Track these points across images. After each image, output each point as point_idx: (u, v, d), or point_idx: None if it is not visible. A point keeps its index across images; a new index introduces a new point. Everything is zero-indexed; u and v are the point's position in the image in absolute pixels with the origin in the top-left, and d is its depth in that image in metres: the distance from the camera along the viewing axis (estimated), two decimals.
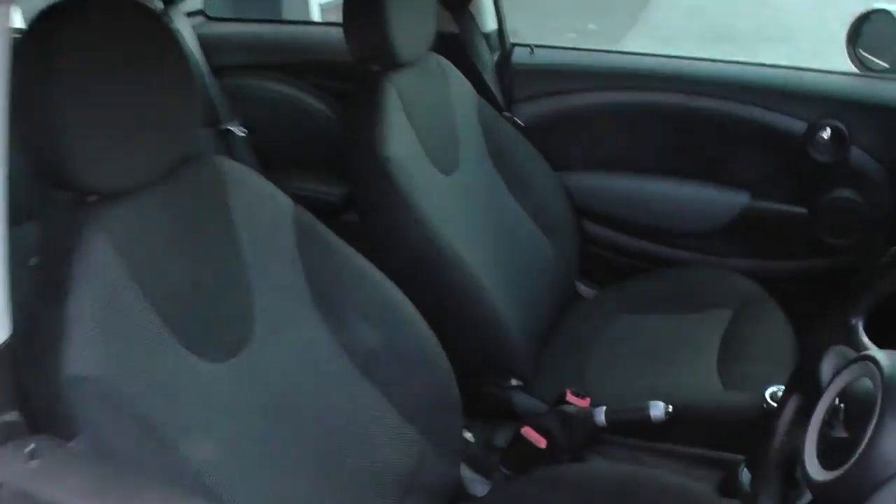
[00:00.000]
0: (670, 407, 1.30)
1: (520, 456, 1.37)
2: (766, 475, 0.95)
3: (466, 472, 1.38)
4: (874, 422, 0.72)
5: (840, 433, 0.77)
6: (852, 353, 0.89)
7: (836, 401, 0.80)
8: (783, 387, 1.19)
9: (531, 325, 1.60)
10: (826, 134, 1.65)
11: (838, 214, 1.70)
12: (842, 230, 1.71)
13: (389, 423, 1.15)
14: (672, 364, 1.53)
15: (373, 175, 1.46)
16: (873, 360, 0.77)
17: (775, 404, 1.18)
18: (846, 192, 1.69)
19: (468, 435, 1.41)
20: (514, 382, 1.57)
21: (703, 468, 1.41)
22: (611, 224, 1.93)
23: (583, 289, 1.91)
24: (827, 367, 0.93)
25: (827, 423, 0.80)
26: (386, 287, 1.18)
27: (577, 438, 1.38)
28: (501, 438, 1.53)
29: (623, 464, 1.40)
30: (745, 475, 1.28)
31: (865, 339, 0.89)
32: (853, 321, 0.91)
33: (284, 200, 1.13)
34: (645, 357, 1.57)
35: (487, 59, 1.93)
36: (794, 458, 0.95)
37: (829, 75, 1.70)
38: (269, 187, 1.12)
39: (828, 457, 0.79)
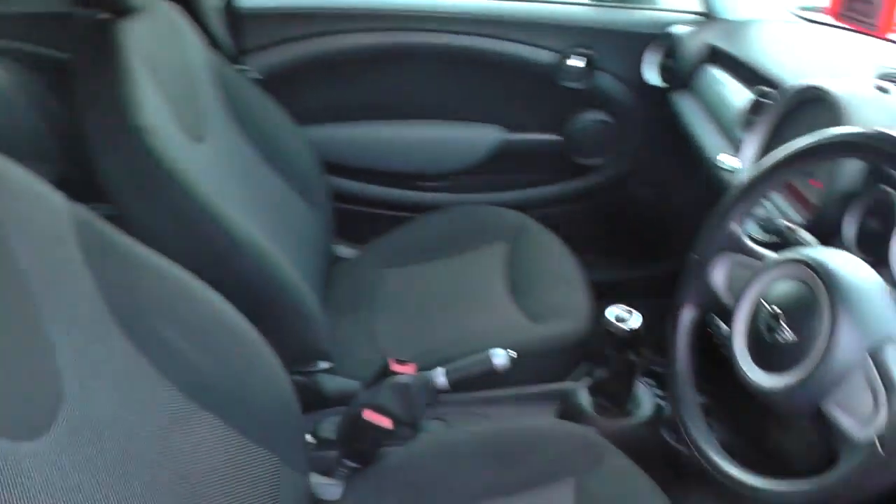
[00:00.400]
0: (512, 352, 1.26)
1: (364, 444, 1.23)
2: (678, 393, 0.95)
3: (314, 478, 1.21)
4: (827, 323, 0.74)
5: (784, 338, 0.78)
6: (747, 260, 0.92)
7: (769, 306, 0.81)
8: (625, 307, 1.23)
9: (318, 299, 1.46)
10: (574, 62, 1.71)
11: (591, 136, 1.80)
12: (595, 150, 1.82)
13: (236, 449, 0.95)
14: (467, 308, 1.49)
15: (124, 151, 1.17)
16: (807, 262, 0.79)
17: (623, 325, 1.20)
18: (597, 115, 1.78)
19: (308, 437, 1.24)
20: (323, 365, 1.41)
21: (539, 403, 1.42)
22: (364, 177, 1.83)
23: (343, 251, 1.77)
24: (718, 275, 0.95)
25: (765, 327, 0.81)
26: (197, 291, 0.95)
27: (419, 408, 1.29)
28: (328, 430, 1.37)
29: (471, 422, 1.34)
30: (584, 397, 1.32)
31: (754, 246, 0.92)
32: (735, 229, 0.94)
33: (57, 198, 0.83)
34: (434, 308, 1.51)
35: (212, 2, 1.67)
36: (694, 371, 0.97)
37: (573, 7, 1.76)
38: (36, 183, 0.82)
39: (771, 362, 0.81)
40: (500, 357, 1.21)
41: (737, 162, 1.29)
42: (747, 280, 0.87)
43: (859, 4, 0.96)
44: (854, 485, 0.68)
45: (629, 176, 1.85)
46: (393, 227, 1.75)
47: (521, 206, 1.78)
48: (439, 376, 1.21)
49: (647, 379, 1.35)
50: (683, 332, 0.97)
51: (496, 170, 1.82)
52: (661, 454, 1.29)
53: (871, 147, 0.80)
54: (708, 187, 1.41)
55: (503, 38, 1.71)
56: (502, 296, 1.49)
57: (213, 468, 0.93)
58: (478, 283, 1.54)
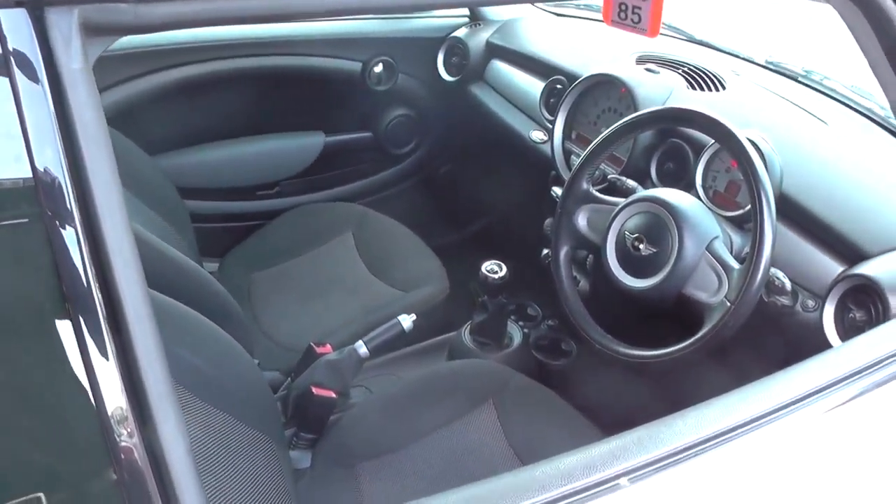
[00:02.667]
0: (413, 315, 1.51)
1: (315, 416, 1.43)
2: (569, 306, 1.29)
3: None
4: (675, 235, 1.13)
5: (647, 252, 1.16)
6: (599, 207, 1.28)
7: (630, 233, 1.18)
8: (495, 261, 1.55)
9: None
10: (378, 68, 1.99)
11: (398, 129, 2.09)
12: (402, 141, 2.12)
13: (234, 432, 1.12)
14: (342, 292, 1.72)
15: None
16: (652, 199, 1.17)
17: (495, 276, 1.52)
18: (400, 110, 2.08)
19: None
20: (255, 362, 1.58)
21: (433, 354, 1.71)
22: (212, 195, 1.96)
23: (207, 266, 1.90)
24: (581, 221, 1.31)
25: (632, 248, 1.17)
26: (185, 309, 1.10)
27: (349, 378, 1.51)
28: None
29: (387, 383, 1.58)
30: (468, 340, 1.62)
31: (603, 196, 1.28)
32: (586, 186, 1.30)
33: None
34: (313, 297, 1.71)
35: None
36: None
37: (371, 21, 2.02)
38: None
39: (641, 271, 1.17)
40: (407, 320, 1.47)
41: (545, 136, 1.68)
42: (606, 220, 1.23)
43: (630, 13, 1.35)
44: (717, 333, 1.07)
45: (437, 156, 2.18)
46: (244, 237, 1.91)
47: (353, 198, 2.03)
48: (361, 347, 1.45)
49: (512, 317, 1.70)
50: (562, 263, 1.31)
51: (326, 169, 2.04)
52: (536, 368, 1.65)
53: (668, 118, 1.20)
54: (518, 157, 1.78)
55: (314, 55, 1.93)
56: (367, 276, 1.73)
57: (218, 450, 1.08)
58: (342, 271, 1.76)
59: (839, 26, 0.98)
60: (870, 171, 1.23)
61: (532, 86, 1.78)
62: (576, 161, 1.43)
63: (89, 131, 0.52)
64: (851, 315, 1.05)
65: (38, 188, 0.51)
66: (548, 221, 1.63)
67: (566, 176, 1.47)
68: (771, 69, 1.60)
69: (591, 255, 1.47)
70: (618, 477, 0.67)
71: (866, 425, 0.84)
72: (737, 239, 1.17)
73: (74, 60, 0.51)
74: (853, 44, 0.97)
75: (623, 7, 1.28)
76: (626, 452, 0.68)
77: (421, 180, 2.20)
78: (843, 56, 1.22)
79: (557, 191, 1.59)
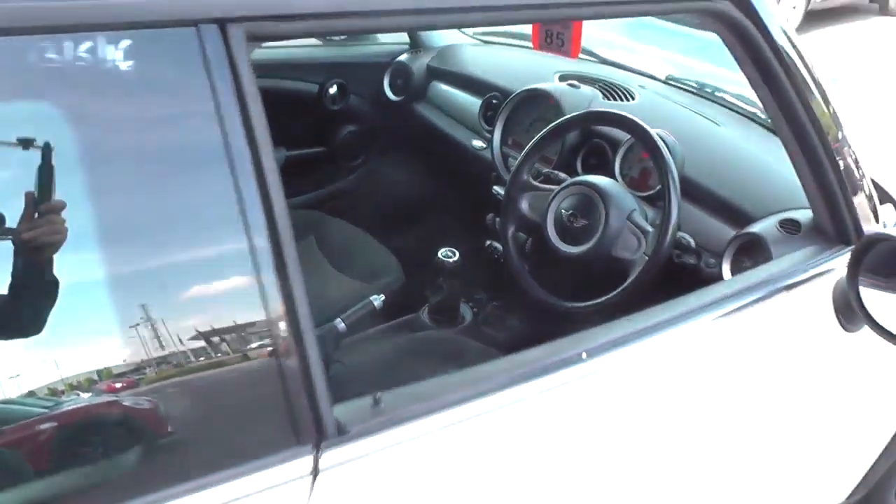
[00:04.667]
0: (382, 295, 1.73)
1: None
2: (516, 272, 1.55)
3: None
4: (602, 210, 1.41)
5: (580, 224, 1.44)
6: (538, 193, 1.55)
7: (566, 211, 1.46)
8: (449, 249, 1.80)
9: None
10: (333, 89, 2.24)
11: (349, 144, 2.34)
12: (353, 154, 2.37)
13: None
14: (315, 286, 1.92)
15: None
16: (584, 183, 1.45)
17: (449, 261, 1.77)
18: (351, 127, 2.33)
19: None
20: None
21: (397, 332, 1.93)
22: None
23: None
24: (524, 205, 1.58)
25: (567, 222, 1.45)
26: None
27: (330, 353, 1.73)
28: None
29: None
30: (425, 316, 1.85)
31: (540, 184, 1.56)
32: (527, 178, 1.57)
33: None
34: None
35: None
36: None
37: (328, 47, 2.26)
38: None
39: (575, 239, 1.45)
40: (378, 300, 1.70)
41: (484, 144, 1.96)
42: (544, 202, 1.51)
43: (555, 38, 1.65)
44: (639, 283, 1.35)
45: (386, 166, 2.44)
46: None
47: (313, 206, 2.25)
48: (340, 324, 1.66)
49: (463, 299, 1.95)
50: (510, 240, 1.58)
51: (288, 181, 2.26)
52: (485, 342, 1.90)
53: (595, 119, 1.50)
54: (461, 163, 2.05)
55: (278, 77, 2.16)
56: (333, 272, 1.96)
57: None
58: (310, 268, 1.97)
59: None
60: (752, 157, 1.56)
61: (470, 102, 2.06)
62: (513, 163, 1.71)
63: (256, 111, 0.75)
64: (745, 265, 1.34)
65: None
66: (489, 216, 1.89)
67: (506, 176, 1.74)
68: (671, 84, 1.93)
69: (529, 239, 1.74)
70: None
71: (747, 329, 1.14)
72: (650, 213, 1.47)
73: (244, 62, 0.74)
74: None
75: (549, 34, 1.57)
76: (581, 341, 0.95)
77: (373, 188, 2.44)
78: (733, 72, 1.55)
79: (499, 189, 1.87)
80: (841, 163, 1.19)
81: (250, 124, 0.74)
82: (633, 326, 1.02)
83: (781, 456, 1.35)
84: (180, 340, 0.72)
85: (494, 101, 1.97)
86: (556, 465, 0.99)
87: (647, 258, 1.35)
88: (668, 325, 1.04)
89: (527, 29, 1.94)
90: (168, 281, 0.73)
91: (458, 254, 1.79)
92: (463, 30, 2.37)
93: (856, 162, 1.24)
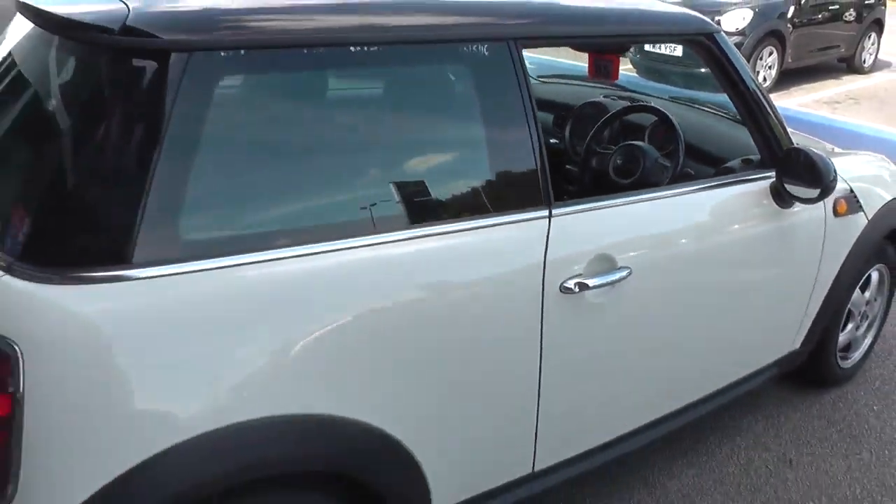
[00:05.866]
0: None
1: None
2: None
3: None
4: (642, 160, 2.48)
5: (626, 168, 2.50)
6: (603, 154, 2.62)
7: (619, 161, 2.52)
8: None
9: None
10: None
11: None
12: None
13: None
14: None
15: None
16: (632, 145, 2.52)
17: None
18: None
19: None
20: None
21: None
22: None
23: None
24: (594, 161, 2.64)
25: (621, 165, 2.51)
26: None
27: None
28: None
29: None
30: None
31: (601, 150, 2.63)
32: (594, 146, 2.65)
33: None
34: None
35: None
36: None
37: None
38: None
39: (624, 176, 2.50)
40: None
41: (557, 140, 3.04)
42: (606, 159, 2.57)
43: (601, 70, 2.74)
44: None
45: None
46: None
47: None
48: None
49: None
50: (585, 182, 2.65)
51: None
52: None
53: (630, 111, 2.60)
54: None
55: None
56: None
57: None
58: None
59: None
60: (720, 132, 2.64)
61: (544, 116, 3.16)
62: (580, 149, 2.78)
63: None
64: None
65: None
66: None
67: (575, 157, 2.81)
68: (667, 99, 3.04)
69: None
70: None
71: (724, 204, 2.18)
72: (666, 162, 2.52)
73: (524, 64, 1.78)
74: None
75: (598, 65, 2.68)
76: None
77: None
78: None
79: (570, 166, 2.90)
80: (767, 119, 2.25)
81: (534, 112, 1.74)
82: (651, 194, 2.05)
83: (747, 312, 2.32)
84: None
85: (562, 114, 3.06)
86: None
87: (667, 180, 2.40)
88: (678, 194, 2.08)
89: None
90: None
91: None
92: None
93: (777, 117, 2.29)
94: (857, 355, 3.00)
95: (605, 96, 3.03)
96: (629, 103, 2.87)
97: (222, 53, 1.33)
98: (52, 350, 1.21)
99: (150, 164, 1.26)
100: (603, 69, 2.75)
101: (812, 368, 2.82)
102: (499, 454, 1.83)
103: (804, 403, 2.85)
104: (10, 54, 1.59)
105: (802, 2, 8.52)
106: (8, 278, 1.23)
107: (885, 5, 10.03)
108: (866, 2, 9.61)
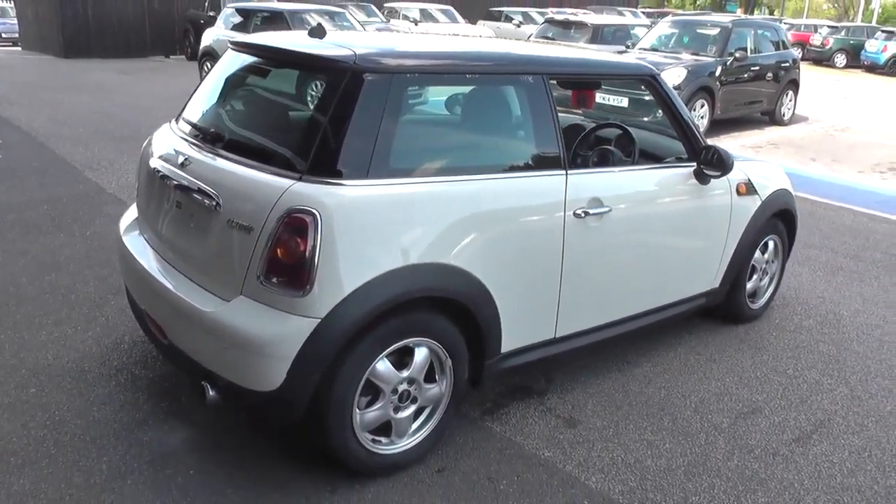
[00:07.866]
0: None
1: None
2: None
3: None
4: (612, 157, 3.75)
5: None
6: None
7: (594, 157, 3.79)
8: None
9: None
10: None
11: None
12: None
13: None
14: None
15: None
16: (607, 149, 3.80)
17: None
18: None
19: None
20: None
21: None
22: None
23: None
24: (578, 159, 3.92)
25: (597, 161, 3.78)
26: None
27: None
28: None
29: None
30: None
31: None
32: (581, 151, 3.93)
33: None
34: None
35: None
36: None
37: None
38: None
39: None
40: None
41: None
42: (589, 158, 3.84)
43: (580, 101, 4.04)
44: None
45: None
46: None
47: None
48: None
49: None
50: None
51: None
52: None
53: (600, 127, 3.90)
54: None
55: None
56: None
57: None
58: None
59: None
60: (662, 142, 3.94)
61: None
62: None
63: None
64: None
65: None
66: None
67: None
68: (623, 118, 4.35)
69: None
70: None
71: (668, 181, 3.47)
72: (625, 158, 3.79)
73: (551, 91, 3.08)
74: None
75: (579, 97, 4.01)
76: None
77: None
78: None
79: None
80: (691, 130, 3.55)
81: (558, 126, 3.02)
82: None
83: (682, 252, 3.60)
84: None
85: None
86: None
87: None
88: (639, 169, 3.36)
89: None
90: None
91: None
92: None
93: (696, 129, 3.59)
94: (761, 301, 4.29)
95: (582, 118, 4.33)
96: (600, 122, 4.18)
97: (407, 74, 2.57)
98: (331, 214, 2.38)
99: (376, 128, 2.47)
100: (582, 100, 4.07)
101: (730, 308, 4.09)
102: (535, 319, 3.01)
103: (725, 329, 4.12)
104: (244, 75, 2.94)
105: (728, 63, 10.15)
106: (301, 184, 2.41)
107: (798, 68, 11.79)
108: (783, 65, 11.34)
